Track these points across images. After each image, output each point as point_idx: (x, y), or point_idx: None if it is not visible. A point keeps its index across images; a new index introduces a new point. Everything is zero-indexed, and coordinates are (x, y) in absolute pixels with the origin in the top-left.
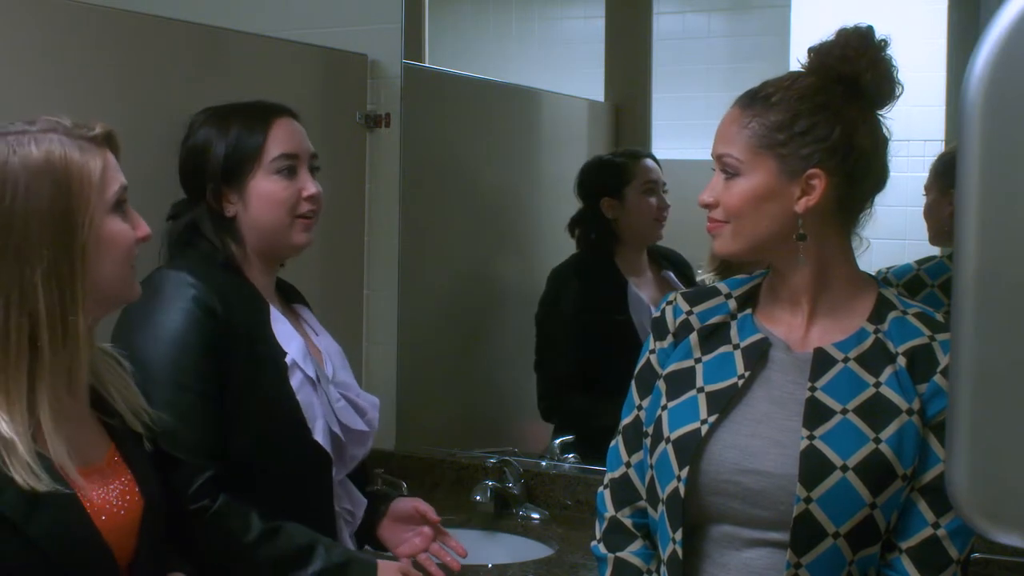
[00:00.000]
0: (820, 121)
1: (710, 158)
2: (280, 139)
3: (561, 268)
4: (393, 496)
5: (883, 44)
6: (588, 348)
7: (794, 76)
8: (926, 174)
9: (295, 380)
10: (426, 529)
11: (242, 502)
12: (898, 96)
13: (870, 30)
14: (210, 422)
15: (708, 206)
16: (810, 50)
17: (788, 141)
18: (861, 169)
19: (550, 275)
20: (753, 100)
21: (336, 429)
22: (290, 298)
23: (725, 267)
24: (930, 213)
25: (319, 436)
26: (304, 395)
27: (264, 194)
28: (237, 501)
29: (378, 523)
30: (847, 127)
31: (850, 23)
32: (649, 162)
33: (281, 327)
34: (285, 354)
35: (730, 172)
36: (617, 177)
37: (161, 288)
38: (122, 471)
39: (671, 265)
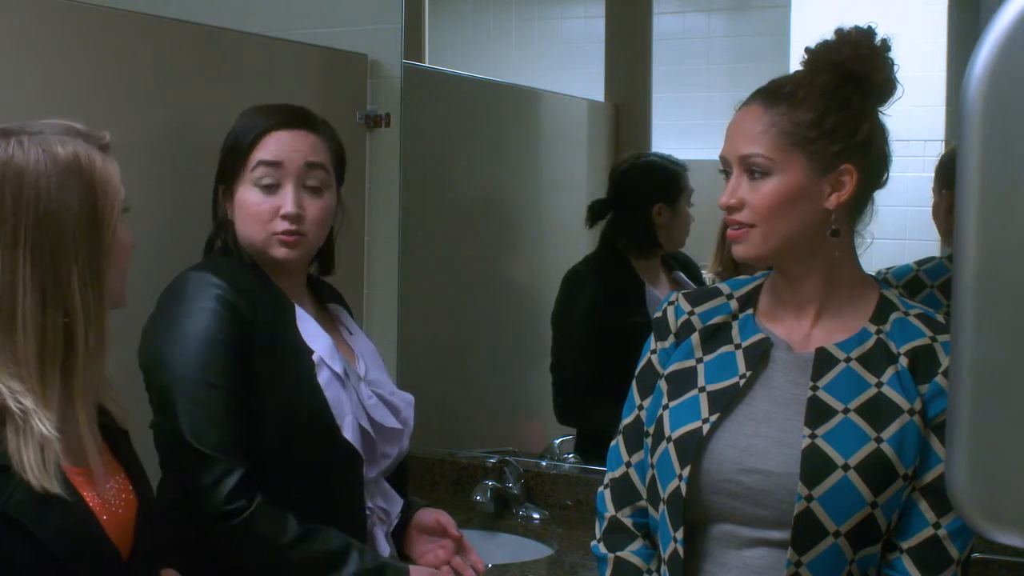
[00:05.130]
0: (846, 118)
1: (709, 158)
2: (268, 148)
3: (577, 269)
4: (418, 505)
5: (887, 45)
6: (606, 350)
7: (811, 73)
8: (926, 174)
9: (323, 377)
10: (448, 542)
11: (277, 503)
12: (899, 96)
13: (872, 30)
14: (239, 420)
15: (732, 208)
16: (815, 49)
17: (818, 138)
18: (878, 165)
19: (566, 276)
20: (776, 98)
21: (367, 426)
22: (324, 297)
23: (731, 269)
24: (936, 213)
25: (348, 433)
26: (332, 392)
27: (242, 205)
28: (273, 502)
29: (401, 531)
30: (870, 124)
31: (849, 23)
32: (689, 173)
33: (307, 326)
34: (312, 352)
35: (759, 172)
36: (676, 185)
37: (184, 289)
38: (115, 470)
39: (680, 266)
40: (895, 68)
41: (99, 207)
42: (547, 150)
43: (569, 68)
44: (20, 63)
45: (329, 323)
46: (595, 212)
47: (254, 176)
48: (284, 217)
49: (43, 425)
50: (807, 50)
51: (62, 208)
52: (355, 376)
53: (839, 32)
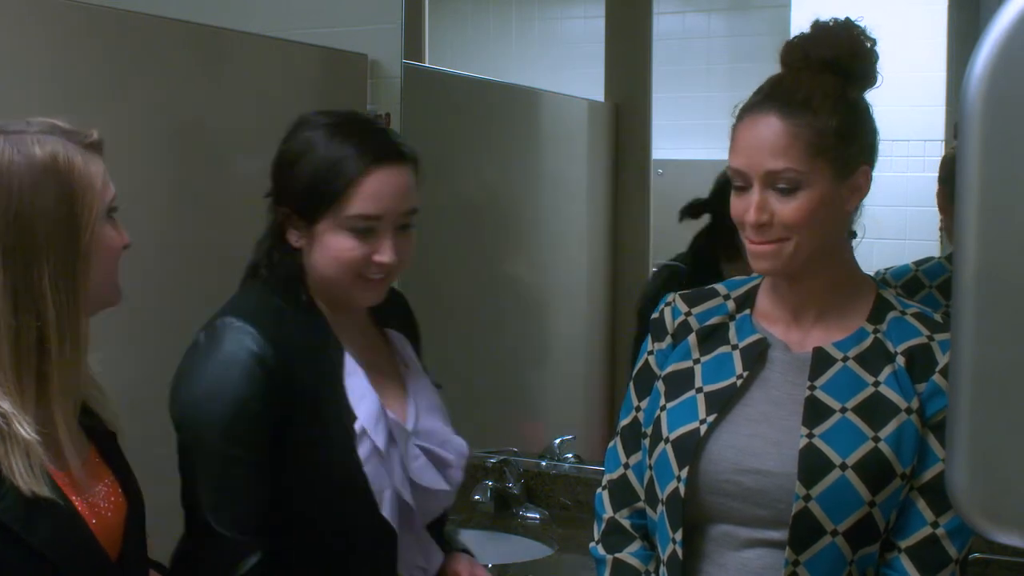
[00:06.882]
0: (859, 119)
1: (709, 158)
2: (367, 196)
3: (675, 266)
4: (452, 546)
5: (873, 36)
6: None
7: (815, 75)
8: (926, 174)
9: (363, 450)
10: None
11: None
12: (878, 85)
13: (853, 22)
14: (261, 496)
15: (763, 225)
16: (803, 46)
17: (839, 144)
18: (876, 159)
19: (660, 270)
20: (793, 107)
21: (407, 497)
22: (384, 320)
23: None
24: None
25: (386, 511)
26: (372, 467)
27: (329, 247)
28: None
29: None
30: (872, 121)
31: (825, 17)
32: None
33: (354, 381)
34: (355, 418)
35: (787, 187)
36: None
37: (220, 342)
38: (104, 472)
39: None
40: (878, 59)
41: (75, 209)
42: (547, 150)
43: (569, 68)
44: (19, 63)
45: (382, 358)
46: (689, 210)
47: (349, 223)
48: (378, 265)
49: (24, 429)
50: (791, 46)
51: (35, 210)
52: (404, 436)
53: (822, 27)
